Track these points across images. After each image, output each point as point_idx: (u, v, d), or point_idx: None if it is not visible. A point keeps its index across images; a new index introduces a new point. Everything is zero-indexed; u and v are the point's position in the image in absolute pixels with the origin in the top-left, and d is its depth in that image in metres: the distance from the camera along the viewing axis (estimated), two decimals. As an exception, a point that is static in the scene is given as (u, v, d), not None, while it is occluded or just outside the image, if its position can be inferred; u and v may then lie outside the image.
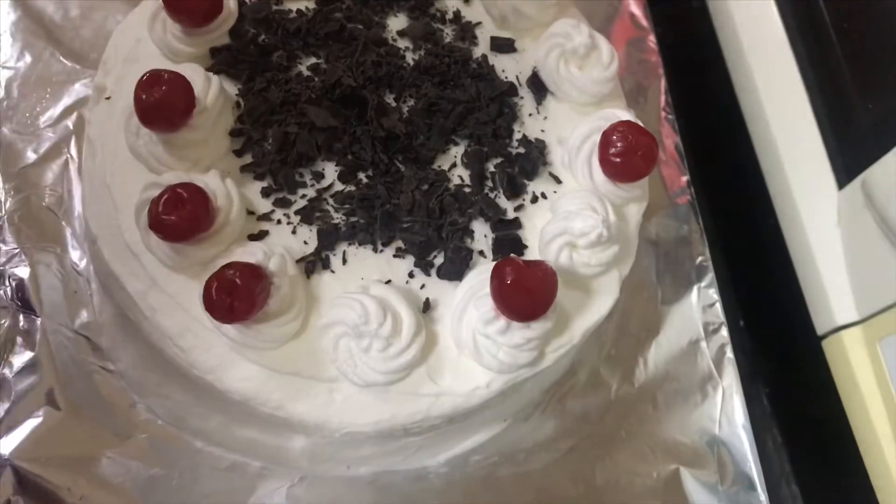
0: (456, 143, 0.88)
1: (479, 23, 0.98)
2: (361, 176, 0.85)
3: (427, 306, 0.82)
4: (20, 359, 0.89)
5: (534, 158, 0.90)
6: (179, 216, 0.74)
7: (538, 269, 0.75)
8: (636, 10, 1.26)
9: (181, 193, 0.74)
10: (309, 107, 0.86)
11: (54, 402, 0.88)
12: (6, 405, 0.87)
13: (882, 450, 0.98)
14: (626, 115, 0.89)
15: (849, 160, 1.06)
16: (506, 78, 0.94)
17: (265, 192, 0.83)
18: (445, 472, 0.95)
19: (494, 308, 0.76)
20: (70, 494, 0.85)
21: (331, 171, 0.85)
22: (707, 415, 1.02)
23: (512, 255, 0.79)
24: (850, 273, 1.05)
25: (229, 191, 0.80)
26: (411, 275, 0.83)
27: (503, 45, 0.97)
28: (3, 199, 0.95)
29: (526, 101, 0.94)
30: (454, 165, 0.87)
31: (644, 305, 1.08)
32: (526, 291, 0.75)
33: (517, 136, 0.91)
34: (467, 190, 0.87)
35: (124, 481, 0.87)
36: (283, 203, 0.83)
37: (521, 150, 0.90)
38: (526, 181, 0.89)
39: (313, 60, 0.90)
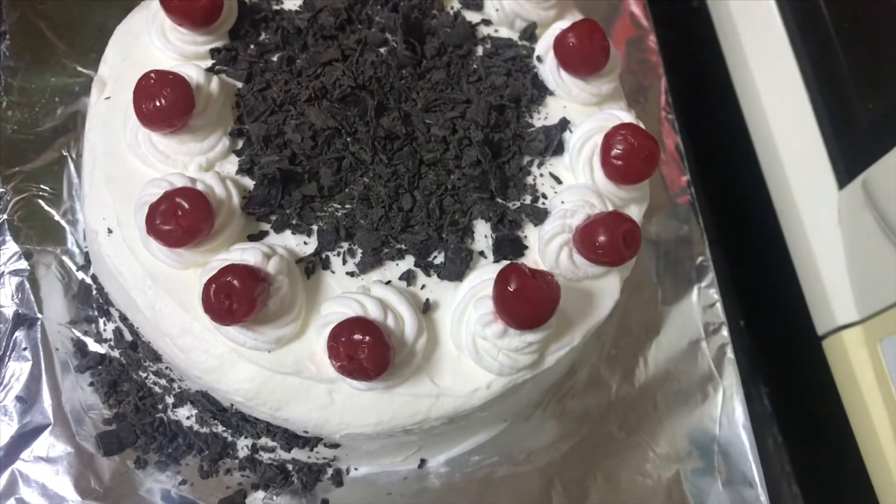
0: (456, 143, 0.88)
1: (479, 23, 0.98)
2: (361, 176, 0.85)
3: (427, 307, 0.82)
4: (20, 359, 0.89)
5: (535, 156, 0.90)
6: (178, 224, 0.74)
7: (543, 280, 0.75)
8: (636, 9, 1.27)
9: (180, 202, 0.74)
10: (309, 107, 0.86)
11: (55, 401, 0.88)
12: (6, 406, 0.87)
13: (882, 450, 0.98)
14: (627, 115, 0.89)
15: (849, 160, 1.06)
16: (507, 78, 0.94)
17: (265, 193, 0.83)
18: (445, 472, 0.95)
19: (493, 311, 0.76)
20: (74, 496, 0.85)
21: (330, 171, 0.84)
22: (707, 415, 1.02)
23: (518, 261, 0.79)
24: (850, 273, 1.05)
25: (229, 192, 0.80)
26: (411, 275, 0.83)
27: (503, 44, 0.97)
28: (3, 200, 0.95)
29: (526, 101, 0.94)
30: (454, 165, 0.87)
31: (644, 305, 1.09)
32: (527, 302, 0.74)
33: (517, 135, 0.91)
34: (467, 190, 0.86)
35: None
36: (282, 203, 0.83)
37: (521, 150, 0.90)
38: (526, 181, 0.89)
39: (313, 60, 0.90)
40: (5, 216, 0.94)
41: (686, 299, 1.09)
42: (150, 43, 0.89)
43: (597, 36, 0.90)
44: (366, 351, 0.72)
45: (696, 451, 1.00)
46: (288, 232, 0.83)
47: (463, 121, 0.88)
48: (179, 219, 0.74)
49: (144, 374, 0.91)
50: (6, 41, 1.03)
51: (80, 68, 1.05)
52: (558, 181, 0.90)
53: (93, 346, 0.92)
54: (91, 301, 0.93)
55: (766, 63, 1.19)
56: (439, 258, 0.84)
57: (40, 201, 0.96)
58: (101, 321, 0.93)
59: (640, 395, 1.04)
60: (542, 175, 0.90)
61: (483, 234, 0.86)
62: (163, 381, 0.91)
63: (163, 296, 0.80)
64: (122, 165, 0.84)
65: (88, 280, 0.94)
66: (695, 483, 0.99)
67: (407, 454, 0.93)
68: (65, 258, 0.95)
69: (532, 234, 0.86)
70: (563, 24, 0.93)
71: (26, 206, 0.96)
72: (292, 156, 0.84)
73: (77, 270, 0.94)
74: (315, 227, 0.83)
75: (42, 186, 0.97)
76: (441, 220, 0.85)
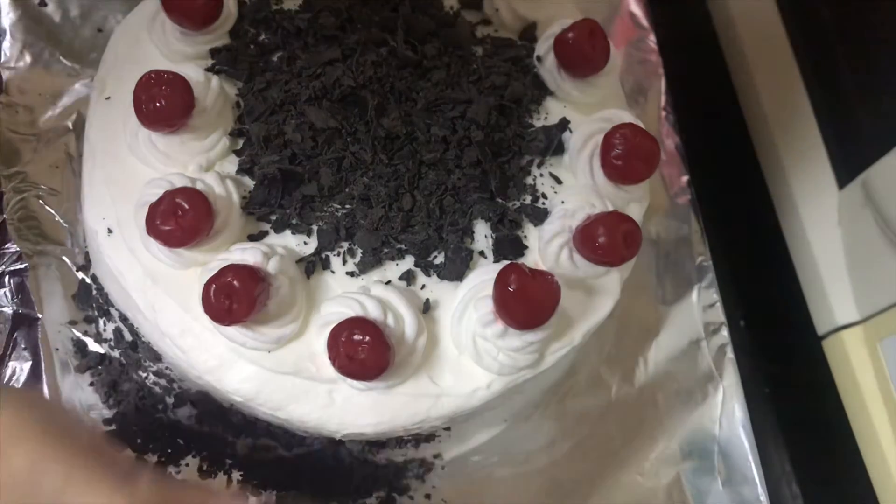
0: (456, 143, 0.88)
1: (479, 23, 0.98)
2: (361, 176, 0.85)
3: (427, 307, 0.82)
4: (20, 359, 0.89)
5: (535, 156, 0.90)
6: (178, 223, 0.74)
7: (543, 280, 0.75)
8: (636, 9, 1.26)
9: (180, 203, 0.74)
10: (309, 107, 0.86)
11: (55, 401, 0.88)
12: (6, 405, 0.87)
13: (882, 450, 0.98)
14: (626, 115, 0.89)
15: (849, 160, 1.06)
16: (507, 78, 0.94)
17: (265, 193, 0.83)
18: (446, 471, 0.95)
19: (493, 311, 0.76)
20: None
21: (330, 171, 0.84)
22: (707, 415, 1.02)
23: (518, 261, 0.79)
24: (850, 273, 1.05)
25: (229, 192, 0.80)
26: (411, 275, 0.83)
27: (503, 44, 0.97)
28: (3, 200, 0.95)
29: (526, 101, 0.94)
30: (454, 165, 0.87)
31: (644, 305, 1.08)
32: (527, 302, 0.74)
33: (518, 135, 0.91)
34: (468, 190, 0.86)
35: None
36: (282, 204, 0.83)
37: (522, 150, 0.90)
38: (526, 181, 0.89)
39: (313, 60, 0.90)
40: (5, 216, 0.94)
41: (686, 299, 1.09)
42: (150, 43, 0.89)
43: (597, 36, 0.90)
44: (366, 351, 0.72)
45: (696, 451, 1.00)
46: (288, 232, 0.83)
47: (463, 121, 0.88)
48: (179, 219, 0.74)
49: (144, 375, 0.91)
50: (6, 41, 1.03)
51: (80, 68, 1.04)
52: (558, 181, 0.90)
53: (93, 346, 0.92)
54: (91, 301, 0.93)
55: (766, 63, 1.19)
56: (439, 258, 0.84)
57: (40, 201, 0.96)
58: (101, 321, 0.93)
59: (640, 395, 1.03)
60: (542, 175, 0.90)
61: (483, 234, 0.86)
62: (163, 382, 0.91)
63: (163, 296, 0.80)
64: (122, 165, 0.84)
65: (88, 280, 0.94)
66: (695, 483, 0.99)
67: (407, 454, 0.93)
68: (65, 258, 0.95)
69: (532, 234, 0.86)
70: (563, 24, 0.93)
71: (26, 206, 0.95)
72: (292, 156, 0.84)
73: (77, 270, 0.94)
74: (315, 227, 0.83)
75: (42, 186, 0.97)
76: (441, 220, 0.85)
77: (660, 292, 1.10)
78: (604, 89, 0.94)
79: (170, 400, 0.91)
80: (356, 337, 0.72)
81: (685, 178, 1.16)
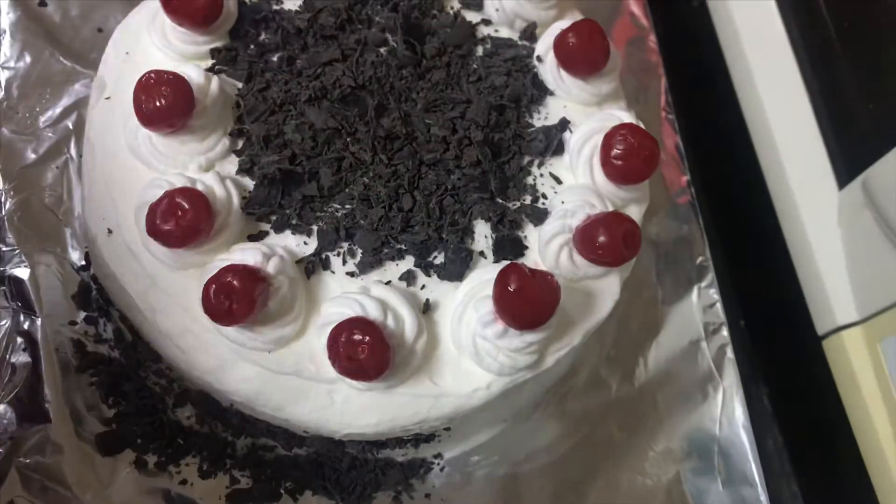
0: (456, 144, 0.88)
1: (479, 23, 0.98)
2: (361, 177, 0.85)
3: (427, 307, 0.82)
4: (20, 359, 0.89)
5: (535, 156, 0.90)
6: (178, 223, 0.74)
7: (543, 280, 0.75)
8: (636, 9, 1.27)
9: (180, 202, 0.74)
10: (309, 107, 0.86)
11: (55, 401, 0.88)
12: (6, 405, 0.87)
13: (882, 450, 0.98)
14: (626, 115, 0.89)
15: (849, 160, 1.06)
16: (507, 78, 0.94)
17: (265, 193, 0.83)
18: (446, 472, 0.95)
19: (493, 311, 0.76)
20: (74, 496, 0.85)
21: (330, 171, 0.84)
22: (707, 415, 1.02)
23: (518, 261, 0.79)
24: (850, 273, 1.05)
25: (229, 192, 0.80)
26: (411, 275, 0.83)
27: (503, 44, 0.97)
28: (3, 199, 0.95)
29: (526, 101, 0.94)
30: (454, 165, 0.87)
31: (644, 305, 1.09)
32: (527, 301, 0.74)
33: (517, 135, 0.91)
34: (468, 190, 0.86)
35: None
36: (282, 204, 0.83)
37: (521, 150, 0.90)
38: (526, 181, 0.89)
39: (313, 60, 0.90)
40: (5, 216, 0.94)
41: (686, 299, 1.09)
42: (150, 43, 0.89)
43: (597, 36, 0.90)
44: (366, 351, 0.72)
45: (696, 451, 1.00)
46: (288, 232, 0.83)
47: (463, 121, 0.88)
48: (179, 219, 0.74)
49: (144, 374, 0.91)
50: (6, 41, 1.03)
51: (80, 68, 1.04)
52: (558, 181, 0.90)
53: (93, 346, 0.92)
54: (91, 301, 0.93)
55: (766, 63, 1.19)
56: (439, 258, 0.84)
57: (40, 201, 0.96)
58: (101, 321, 0.93)
59: (640, 395, 1.04)
60: (542, 175, 0.90)
61: (483, 235, 0.86)
62: (163, 381, 0.91)
63: (163, 296, 0.80)
64: (122, 165, 0.84)
65: (88, 280, 0.94)
66: (695, 483, 0.99)
67: (407, 453, 0.93)
68: (65, 258, 0.95)
69: (532, 235, 0.86)
70: (563, 24, 0.93)
71: (26, 206, 0.95)
72: (292, 156, 0.84)
73: (77, 271, 0.94)
74: (315, 228, 0.83)
75: (42, 186, 0.97)
76: (441, 220, 0.85)
77: (660, 292, 1.10)
78: (604, 89, 0.94)
79: (170, 400, 0.91)
80: (356, 337, 0.72)
81: (685, 178, 1.16)
